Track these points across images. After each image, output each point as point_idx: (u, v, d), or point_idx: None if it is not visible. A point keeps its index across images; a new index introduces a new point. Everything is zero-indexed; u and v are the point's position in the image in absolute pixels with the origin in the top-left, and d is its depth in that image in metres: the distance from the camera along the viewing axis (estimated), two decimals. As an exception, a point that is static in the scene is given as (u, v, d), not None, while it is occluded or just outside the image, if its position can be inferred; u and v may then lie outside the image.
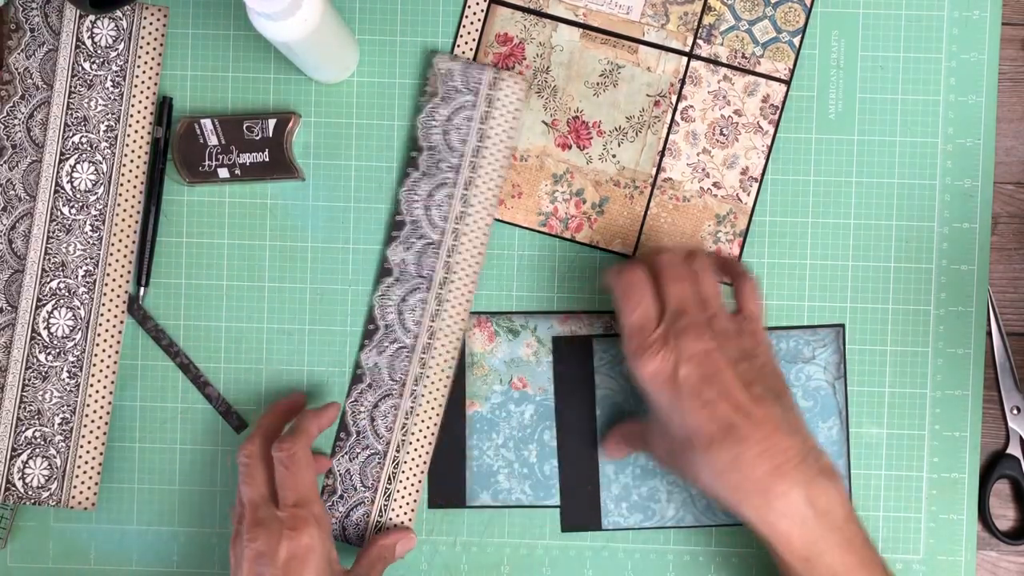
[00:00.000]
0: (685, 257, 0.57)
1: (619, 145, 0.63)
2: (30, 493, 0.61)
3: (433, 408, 0.61)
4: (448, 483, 0.62)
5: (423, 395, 0.61)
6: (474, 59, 0.63)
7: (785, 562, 0.52)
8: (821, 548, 0.51)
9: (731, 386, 0.52)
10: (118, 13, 0.62)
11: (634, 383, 0.55)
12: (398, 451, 0.61)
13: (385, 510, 0.61)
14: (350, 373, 0.63)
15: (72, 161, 0.62)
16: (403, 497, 0.61)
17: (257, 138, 0.62)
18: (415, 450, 0.61)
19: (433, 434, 0.62)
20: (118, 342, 0.62)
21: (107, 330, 0.62)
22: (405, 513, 0.62)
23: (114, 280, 0.62)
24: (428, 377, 0.61)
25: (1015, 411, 0.63)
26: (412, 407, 0.61)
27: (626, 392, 0.62)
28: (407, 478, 0.61)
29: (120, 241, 0.62)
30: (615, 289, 0.57)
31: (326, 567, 0.54)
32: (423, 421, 0.61)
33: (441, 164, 0.60)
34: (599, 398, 0.62)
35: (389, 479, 0.61)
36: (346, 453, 0.61)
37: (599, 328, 0.62)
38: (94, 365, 0.62)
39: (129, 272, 0.63)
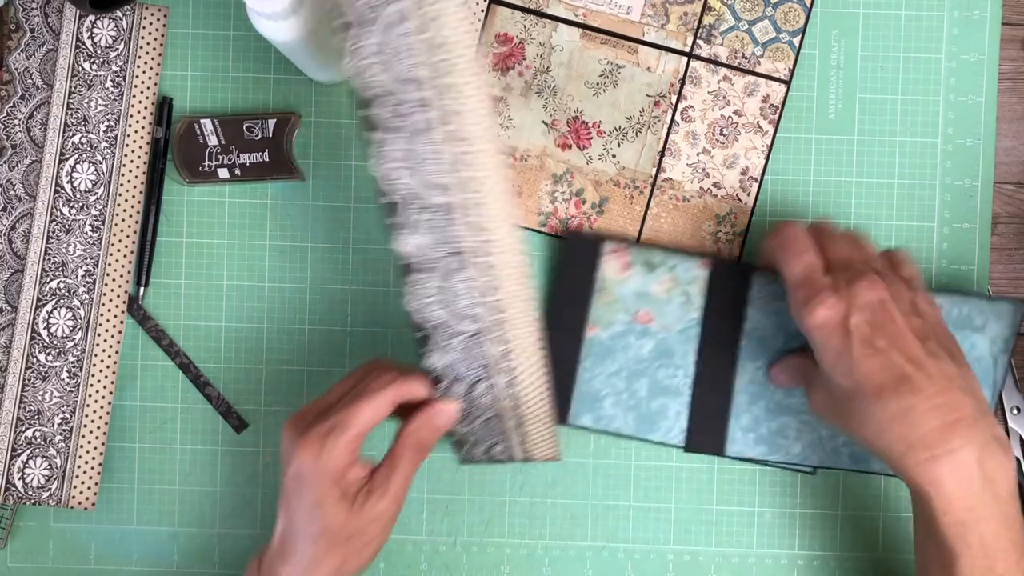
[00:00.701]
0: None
1: (619, 145, 0.63)
2: (30, 493, 0.61)
3: (532, 371, 0.55)
4: (553, 401, 0.59)
5: (517, 367, 0.54)
6: (474, 59, 0.63)
7: (938, 523, 0.49)
8: (980, 515, 0.48)
9: (905, 337, 0.50)
10: (118, 13, 0.62)
11: (789, 323, 0.53)
12: (515, 409, 0.56)
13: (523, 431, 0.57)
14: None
15: (72, 161, 0.62)
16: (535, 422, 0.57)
17: (257, 138, 0.62)
18: (530, 405, 0.56)
19: (542, 389, 0.56)
20: (118, 342, 0.62)
21: (107, 330, 0.62)
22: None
23: (114, 280, 0.62)
24: (514, 351, 0.54)
25: (1015, 411, 0.63)
26: (512, 378, 0.54)
27: (775, 328, 0.61)
28: (531, 411, 0.56)
29: (120, 241, 0.62)
30: (772, 246, 0.55)
31: (330, 490, 0.52)
32: (528, 382, 0.55)
33: (401, 107, 0.47)
34: (747, 330, 0.61)
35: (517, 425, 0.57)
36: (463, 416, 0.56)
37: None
38: (94, 365, 0.62)
39: (129, 272, 0.63)
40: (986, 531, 0.48)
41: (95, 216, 0.62)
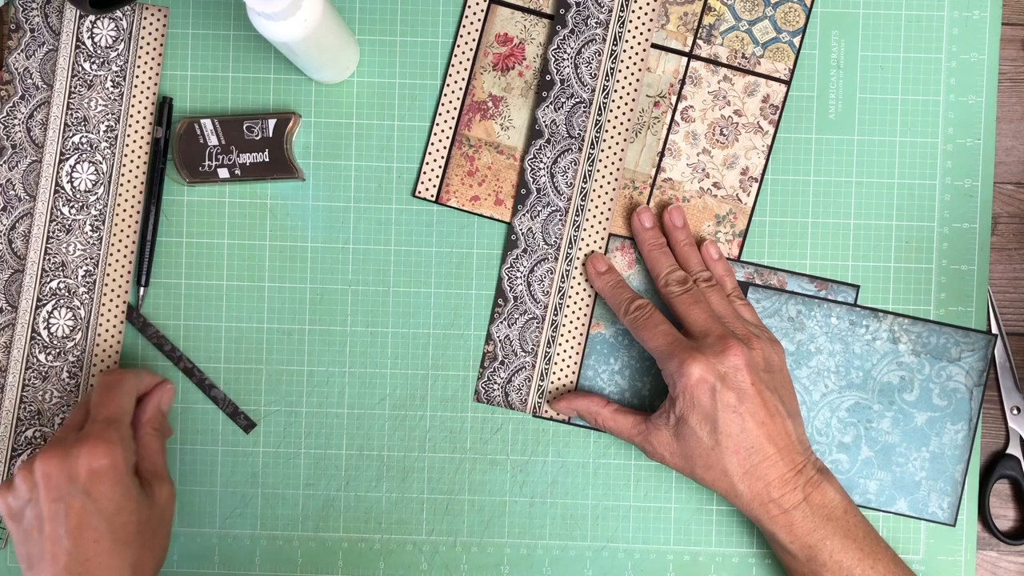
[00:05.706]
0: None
1: (619, 145, 0.63)
2: (30, 493, 0.61)
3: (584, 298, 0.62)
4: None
5: (578, 258, 0.61)
6: (473, 59, 0.63)
7: (789, 549, 0.56)
8: (822, 535, 0.55)
9: (756, 401, 0.55)
10: (118, 13, 0.62)
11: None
12: (556, 315, 0.61)
13: (546, 374, 0.62)
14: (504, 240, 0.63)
15: (72, 161, 0.62)
16: (563, 360, 0.62)
17: (257, 138, 0.62)
18: (573, 312, 0.62)
19: (591, 296, 0.62)
20: (118, 342, 0.62)
21: (107, 330, 0.62)
22: (566, 376, 0.62)
23: (114, 280, 0.62)
24: (582, 239, 0.61)
25: (1015, 411, 0.63)
26: (568, 270, 0.61)
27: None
28: (566, 341, 0.62)
29: (120, 241, 0.62)
30: (629, 326, 0.59)
31: (130, 483, 0.54)
32: (579, 284, 0.62)
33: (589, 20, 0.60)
34: None
35: (548, 343, 0.61)
36: (504, 319, 0.62)
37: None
38: (94, 365, 0.62)
39: (129, 272, 0.63)
40: (833, 548, 0.55)
41: (95, 216, 0.62)
